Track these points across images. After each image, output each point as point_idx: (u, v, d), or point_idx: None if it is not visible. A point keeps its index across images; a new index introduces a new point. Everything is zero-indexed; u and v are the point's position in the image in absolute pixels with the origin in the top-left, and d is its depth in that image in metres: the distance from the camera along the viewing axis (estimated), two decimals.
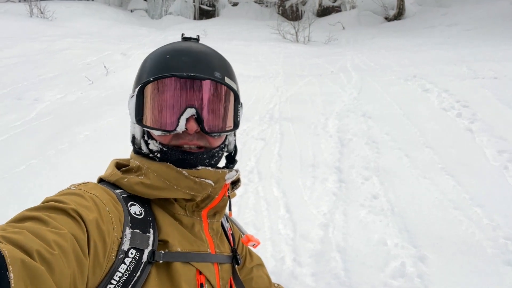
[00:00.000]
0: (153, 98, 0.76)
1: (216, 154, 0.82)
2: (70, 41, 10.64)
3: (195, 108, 0.75)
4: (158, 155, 0.78)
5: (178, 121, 0.74)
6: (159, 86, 0.76)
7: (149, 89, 0.77)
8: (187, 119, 0.74)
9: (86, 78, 7.30)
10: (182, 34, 0.93)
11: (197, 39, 0.89)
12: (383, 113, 5.13)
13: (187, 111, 0.74)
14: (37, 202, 0.65)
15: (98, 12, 17.04)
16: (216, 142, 0.81)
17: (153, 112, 0.76)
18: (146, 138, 0.81)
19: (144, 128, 0.79)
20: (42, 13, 14.21)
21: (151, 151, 0.79)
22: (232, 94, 0.82)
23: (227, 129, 0.81)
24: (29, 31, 11.66)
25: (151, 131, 0.78)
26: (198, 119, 0.75)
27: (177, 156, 0.76)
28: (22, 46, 9.41)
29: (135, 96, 0.79)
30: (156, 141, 0.78)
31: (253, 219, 3.13)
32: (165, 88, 0.75)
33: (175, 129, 0.74)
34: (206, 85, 0.76)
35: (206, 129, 0.76)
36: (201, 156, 0.78)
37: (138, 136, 0.83)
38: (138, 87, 0.78)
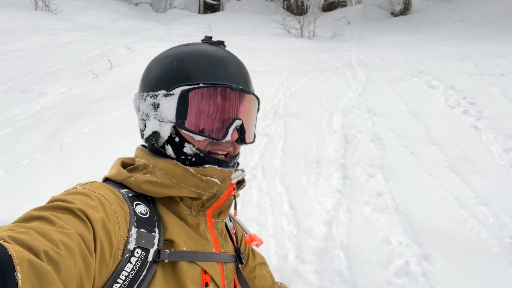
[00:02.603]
0: (204, 105, 0.77)
1: (235, 160, 0.87)
2: (74, 35, 10.63)
3: (241, 120, 0.80)
4: (193, 159, 0.79)
5: (227, 131, 0.78)
6: (211, 94, 0.77)
7: (198, 94, 0.76)
8: (232, 130, 0.79)
9: (90, 72, 7.31)
10: (211, 37, 0.90)
11: (225, 45, 0.90)
12: (388, 110, 5.09)
13: (235, 122, 0.79)
14: (41, 195, 0.65)
15: (103, 6, 17.01)
16: (239, 149, 0.86)
17: (202, 118, 0.77)
18: (177, 140, 0.79)
19: (187, 132, 0.77)
20: (47, 6, 14.20)
21: (184, 154, 0.78)
22: (257, 107, 0.89)
23: (251, 140, 0.88)
24: (34, 24, 11.66)
25: (193, 135, 0.77)
26: (241, 130, 0.80)
27: (212, 163, 0.79)
28: (27, 40, 9.42)
29: (176, 97, 0.76)
30: (194, 145, 0.78)
31: (257, 215, 3.13)
32: (218, 97, 0.78)
33: (223, 138, 0.78)
34: (249, 98, 0.83)
35: (246, 140, 0.83)
36: (228, 162, 0.82)
37: (165, 135, 0.80)
38: (183, 88, 0.76)
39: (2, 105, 5.52)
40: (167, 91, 0.78)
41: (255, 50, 10.77)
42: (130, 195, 0.74)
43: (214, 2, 22.24)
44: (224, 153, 0.81)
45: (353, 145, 4.29)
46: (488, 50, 7.48)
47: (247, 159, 4.09)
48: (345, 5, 19.91)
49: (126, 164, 0.85)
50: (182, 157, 0.79)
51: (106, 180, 0.82)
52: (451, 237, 2.70)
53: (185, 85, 0.76)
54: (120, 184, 0.78)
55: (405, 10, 17.12)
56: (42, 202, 0.63)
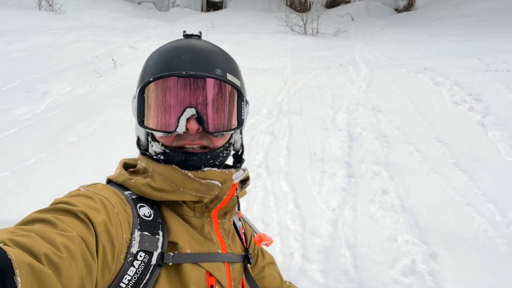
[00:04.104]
0: (153, 99, 0.75)
1: (221, 154, 0.80)
2: (78, 34, 10.66)
3: (194, 108, 0.73)
4: (162, 157, 0.77)
5: (178, 122, 0.72)
6: (159, 86, 0.74)
7: (149, 89, 0.76)
8: (188, 119, 0.73)
9: (94, 71, 7.33)
10: (184, 31, 0.90)
11: (199, 36, 0.87)
12: (393, 107, 5.06)
13: (186, 111, 0.73)
14: (46, 195, 0.64)
15: (106, 5, 17.02)
16: (220, 141, 0.79)
17: (153, 113, 0.75)
18: (149, 140, 0.79)
19: (146, 129, 0.77)
20: (50, 5, 14.23)
21: (155, 153, 0.78)
22: (235, 91, 0.79)
23: (230, 128, 0.79)
24: (38, 24, 11.71)
25: (154, 132, 0.77)
26: (199, 118, 0.73)
27: (180, 157, 0.75)
28: (31, 39, 9.46)
29: (136, 97, 0.78)
30: (159, 142, 0.77)
31: (262, 214, 3.12)
32: (164, 88, 0.74)
33: (175, 130, 0.73)
34: (206, 83, 0.74)
35: (208, 129, 0.75)
36: (204, 156, 0.76)
37: (142, 137, 0.82)
38: (139, 88, 0.77)
39: (7, 105, 5.54)
40: (134, 94, 0.80)
41: (258, 48, 10.73)
42: (134, 197, 0.74)
43: (217, 0, 22.20)
44: (195, 146, 0.76)
45: (357, 142, 4.26)
46: (493, 46, 7.41)
47: (251, 157, 4.08)
48: (348, 2, 19.81)
49: (129, 166, 0.85)
50: (155, 157, 0.78)
51: (110, 181, 0.81)
52: (458, 235, 2.67)
53: (141, 84, 0.77)
54: (122, 186, 0.77)
55: (409, 6, 17.01)
56: (48, 202, 0.63)
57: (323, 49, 10.81)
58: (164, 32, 13.55)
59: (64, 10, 14.29)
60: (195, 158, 0.75)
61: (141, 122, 0.77)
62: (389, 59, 8.31)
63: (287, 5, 21.03)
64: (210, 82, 0.75)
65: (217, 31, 12.94)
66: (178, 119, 0.72)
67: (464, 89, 5.11)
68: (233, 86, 0.78)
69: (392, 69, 6.86)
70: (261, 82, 6.78)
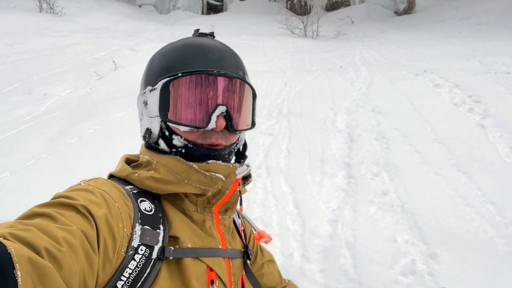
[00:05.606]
0: (183, 94, 0.75)
1: (232, 150, 0.83)
2: (79, 36, 10.69)
3: (225, 106, 0.76)
4: (183, 150, 0.77)
5: (210, 118, 0.74)
6: (189, 82, 0.75)
7: (177, 84, 0.76)
8: (217, 116, 0.75)
9: (95, 73, 7.35)
10: (198, 30, 0.92)
11: (213, 36, 0.89)
12: (393, 108, 5.06)
13: (218, 108, 0.75)
14: (47, 196, 0.65)
15: (107, 7, 17.08)
16: (234, 138, 0.82)
17: (182, 107, 0.75)
18: (167, 133, 0.79)
19: (171, 123, 0.77)
20: (51, 8, 14.30)
21: (174, 146, 0.78)
22: (251, 93, 0.84)
23: (247, 127, 0.84)
24: (39, 26, 11.74)
25: (177, 126, 0.76)
26: (227, 116, 0.76)
27: (202, 152, 0.76)
28: (32, 42, 9.49)
29: (158, 90, 0.77)
30: (181, 136, 0.77)
31: (261, 214, 3.12)
32: (197, 84, 0.75)
33: (206, 126, 0.74)
34: (235, 83, 0.78)
35: (234, 127, 0.78)
36: (223, 151, 0.79)
37: (156, 131, 0.81)
38: (163, 80, 0.76)
39: (7, 106, 5.56)
40: (152, 86, 0.80)
41: (258, 50, 10.76)
42: (135, 191, 0.74)
43: (217, 3, 22.26)
44: (216, 144, 0.78)
45: (357, 144, 4.27)
46: (493, 48, 7.43)
47: (251, 158, 4.08)
48: (348, 5, 19.86)
49: (130, 161, 0.84)
50: (174, 150, 0.78)
51: (111, 177, 0.81)
52: (457, 235, 2.67)
53: (165, 78, 0.77)
54: (124, 181, 0.77)
55: (409, 9, 17.05)
56: None
57: (323, 52, 10.84)
58: (164, 34, 13.60)
59: (65, 13, 14.35)
60: (216, 153, 0.77)
61: (164, 115, 0.76)
62: (389, 61, 8.33)
63: (287, 8, 21.09)
64: (238, 83, 0.79)
65: (217, 33, 12.88)
66: (210, 115, 0.75)
67: (464, 91, 5.12)
68: (251, 87, 0.83)
69: (392, 71, 6.87)
70: (262, 84, 6.80)
